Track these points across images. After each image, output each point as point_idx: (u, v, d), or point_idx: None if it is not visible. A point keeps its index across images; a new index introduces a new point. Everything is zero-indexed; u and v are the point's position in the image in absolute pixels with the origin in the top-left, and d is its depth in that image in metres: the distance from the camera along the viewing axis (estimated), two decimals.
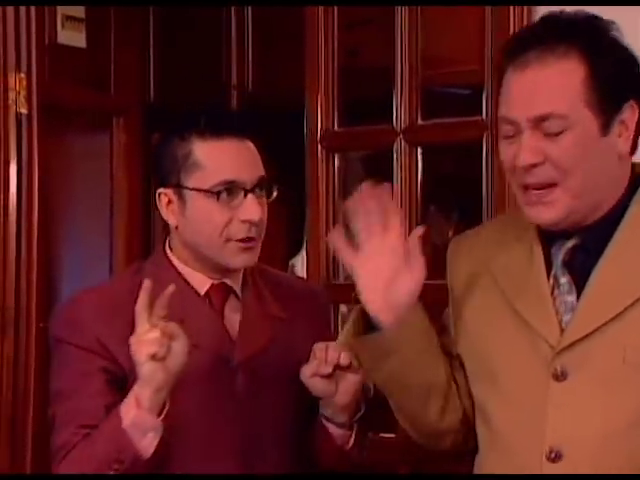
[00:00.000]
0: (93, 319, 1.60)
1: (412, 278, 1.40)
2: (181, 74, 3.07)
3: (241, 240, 1.62)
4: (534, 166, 1.35)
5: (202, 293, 1.65)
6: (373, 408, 2.95)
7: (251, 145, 1.67)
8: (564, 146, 1.34)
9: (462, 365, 1.49)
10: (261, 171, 1.67)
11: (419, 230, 1.40)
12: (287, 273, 3.08)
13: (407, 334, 1.41)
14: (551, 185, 1.36)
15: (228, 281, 1.67)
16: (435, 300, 2.15)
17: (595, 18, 1.38)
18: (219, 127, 1.63)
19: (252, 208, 1.62)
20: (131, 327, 1.51)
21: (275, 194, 1.69)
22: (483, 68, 2.33)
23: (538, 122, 1.34)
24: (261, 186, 1.66)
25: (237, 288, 1.68)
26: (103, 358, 1.58)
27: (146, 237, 3.07)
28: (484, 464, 1.44)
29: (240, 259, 1.63)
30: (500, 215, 1.99)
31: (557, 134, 1.34)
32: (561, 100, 1.34)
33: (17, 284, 2.60)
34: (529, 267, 1.41)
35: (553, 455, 1.34)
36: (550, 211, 1.36)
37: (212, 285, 1.66)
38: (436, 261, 2.48)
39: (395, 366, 1.42)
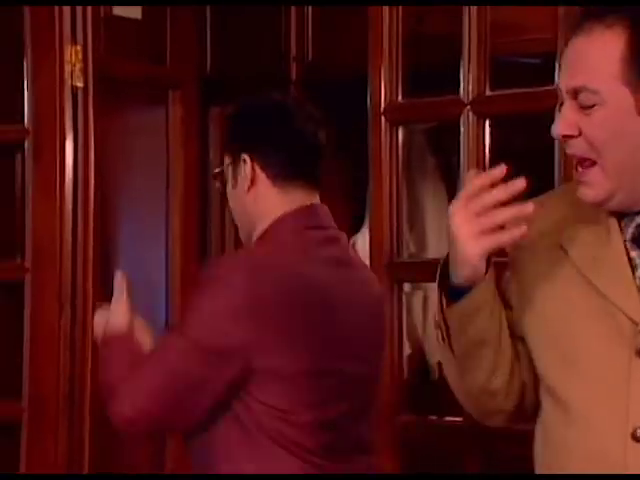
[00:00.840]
0: None
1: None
2: (239, 45, 3.06)
3: None
4: (568, 138, 1.38)
5: None
6: (437, 391, 2.94)
7: None
8: (594, 122, 1.36)
9: (522, 343, 1.47)
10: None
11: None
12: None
13: (489, 289, 1.40)
14: (591, 163, 1.38)
15: None
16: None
17: None
18: None
19: None
20: None
21: (226, 181, 1.81)
22: (556, 35, 2.29)
23: (575, 94, 1.38)
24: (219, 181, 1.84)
25: None
26: None
27: (202, 213, 3.09)
28: (563, 446, 1.42)
29: None
30: (564, 185, 1.97)
31: (589, 108, 1.36)
32: (595, 74, 1.36)
33: (73, 261, 2.64)
34: (606, 240, 1.41)
35: (639, 434, 1.34)
36: (590, 191, 1.38)
37: None
38: None
39: (480, 324, 1.41)
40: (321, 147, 1.80)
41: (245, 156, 1.75)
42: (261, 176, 1.76)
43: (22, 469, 2.61)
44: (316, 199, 1.79)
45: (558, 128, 1.39)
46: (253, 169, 1.75)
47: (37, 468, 2.59)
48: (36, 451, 2.60)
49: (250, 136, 1.76)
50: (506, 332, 1.45)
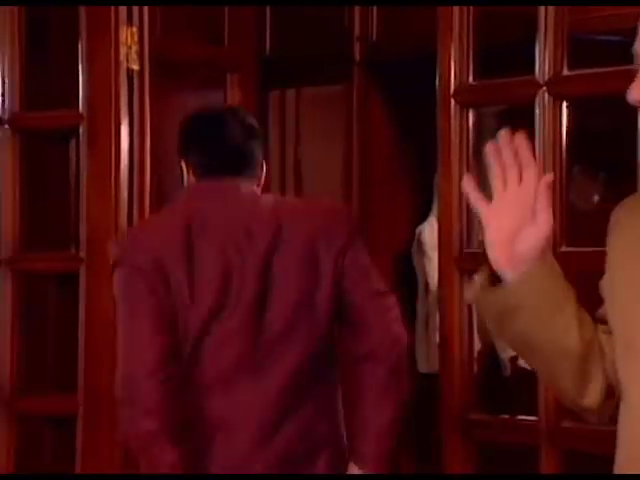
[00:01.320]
0: None
1: (538, 230, 1.38)
2: (300, 25, 3.03)
3: None
4: None
5: None
6: (509, 388, 2.87)
7: None
8: None
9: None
10: None
11: (549, 177, 1.40)
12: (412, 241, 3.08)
13: (531, 289, 1.40)
14: None
15: None
16: (580, 268, 2.06)
17: None
18: None
19: None
20: None
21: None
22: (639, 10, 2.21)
23: None
24: None
25: None
26: None
27: None
28: (622, 433, 1.40)
29: None
30: None
31: None
32: None
33: None
34: None
35: None
36: None
37: None
38: (580, 227, 2.39)
39: (520, 324, 1.41)
40: (247, 156, 2.10)
41: (182, 164, 2.12)
42: (192, 178, 2.11)
43: (77, 463, 2.61)
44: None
45: (632, 93, 1.39)
46: (188, 174, 2.11)
47: (92, 462, 2.59)
48: (91, 445, 2.60)
49: (183, 147, 2.13)
50: (590, 347, 1.42)
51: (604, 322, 1.47)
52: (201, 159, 2.08)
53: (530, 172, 1.37)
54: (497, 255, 1.39)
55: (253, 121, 2.14)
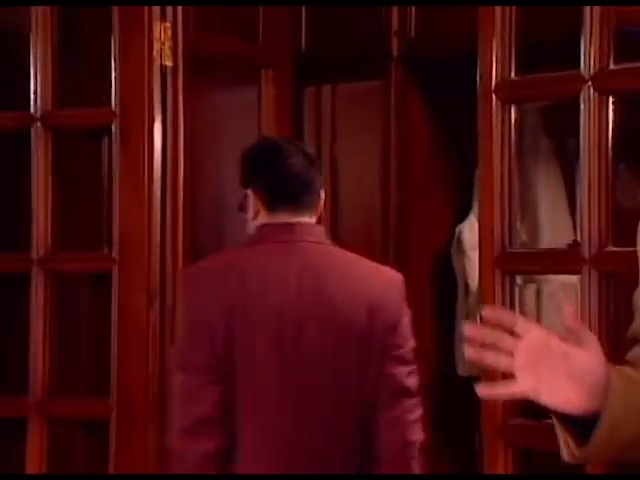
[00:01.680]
0: None
1: (589, 354, 1.31)
2: (336, 20, 3.01)
3: None
4: None
5: None
6: None
7: None
8: None
9: None
10: None
11: (568, 309, 1.31)
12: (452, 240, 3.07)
13: (620, 403, 1.32)
14: None
15: None
16: (626, 268, 2.01)
17: None
18: None
19: None
20: None
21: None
22: None
23: None
24: None
25: None
26: None
27: None
28: None
29: None
30: None
31: None
32: None
33: (162, 251, 2.61)
34: None
35: None
36: None
37: None
38: (627, 226, 2.35)
39: (630, 434, 1.34)
40: (308, 181, 2.19)
41: (249, 191, 2.19)
42: (261, 206, 2.19)
43: (111, 468, 2.61)
44: (302, 218, 2.18)
45: None
46: (256, 201, 2.18)
47: (126, 466, 2.59)
48: (125, 450, 2.59)
49: (250, 175, 2.20)
50: None
51: (637, 340, 1.42)
52: (269, 186, 2.18)
53: (519, 325, 1.28)
54: (571, 407, 1.32)
55: (311, 150, 2.28)
